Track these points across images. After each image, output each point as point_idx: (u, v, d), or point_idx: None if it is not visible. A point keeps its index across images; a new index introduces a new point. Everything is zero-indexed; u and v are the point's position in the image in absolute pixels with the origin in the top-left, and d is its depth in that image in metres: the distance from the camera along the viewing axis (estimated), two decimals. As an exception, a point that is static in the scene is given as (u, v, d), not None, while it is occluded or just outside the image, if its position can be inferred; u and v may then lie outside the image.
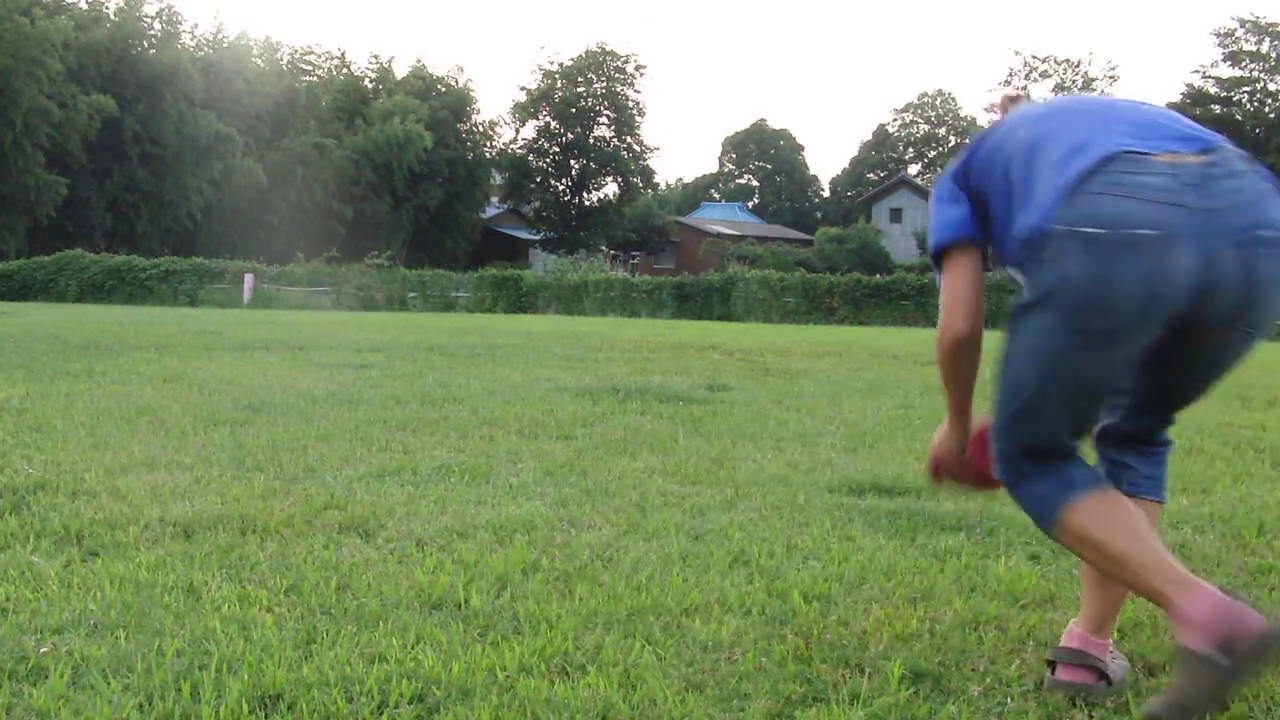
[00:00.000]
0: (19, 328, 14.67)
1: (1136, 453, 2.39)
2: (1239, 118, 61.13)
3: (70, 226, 47.31)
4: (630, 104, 66.58)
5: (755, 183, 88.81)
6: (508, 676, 2.29)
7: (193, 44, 55.06)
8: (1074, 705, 2.25)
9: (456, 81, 64.61)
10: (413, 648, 2.45)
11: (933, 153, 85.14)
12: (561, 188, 66.65)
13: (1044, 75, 76.17)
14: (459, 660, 2.36)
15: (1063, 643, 2.38)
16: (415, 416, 6.40)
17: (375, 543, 3.40)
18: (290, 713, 2.10)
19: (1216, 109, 61.61)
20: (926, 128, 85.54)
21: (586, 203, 66.88)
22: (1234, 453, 5.82)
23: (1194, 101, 62.00)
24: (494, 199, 68.40)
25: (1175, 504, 4.33)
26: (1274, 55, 60.57)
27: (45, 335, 12.85)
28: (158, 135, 49.63)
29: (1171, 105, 63.19)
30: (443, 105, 61.45)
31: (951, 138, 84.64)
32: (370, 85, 64.18)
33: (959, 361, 2.37)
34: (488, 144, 65.76)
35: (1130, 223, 1.96)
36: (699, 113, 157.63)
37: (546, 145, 66.47)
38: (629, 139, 66.76)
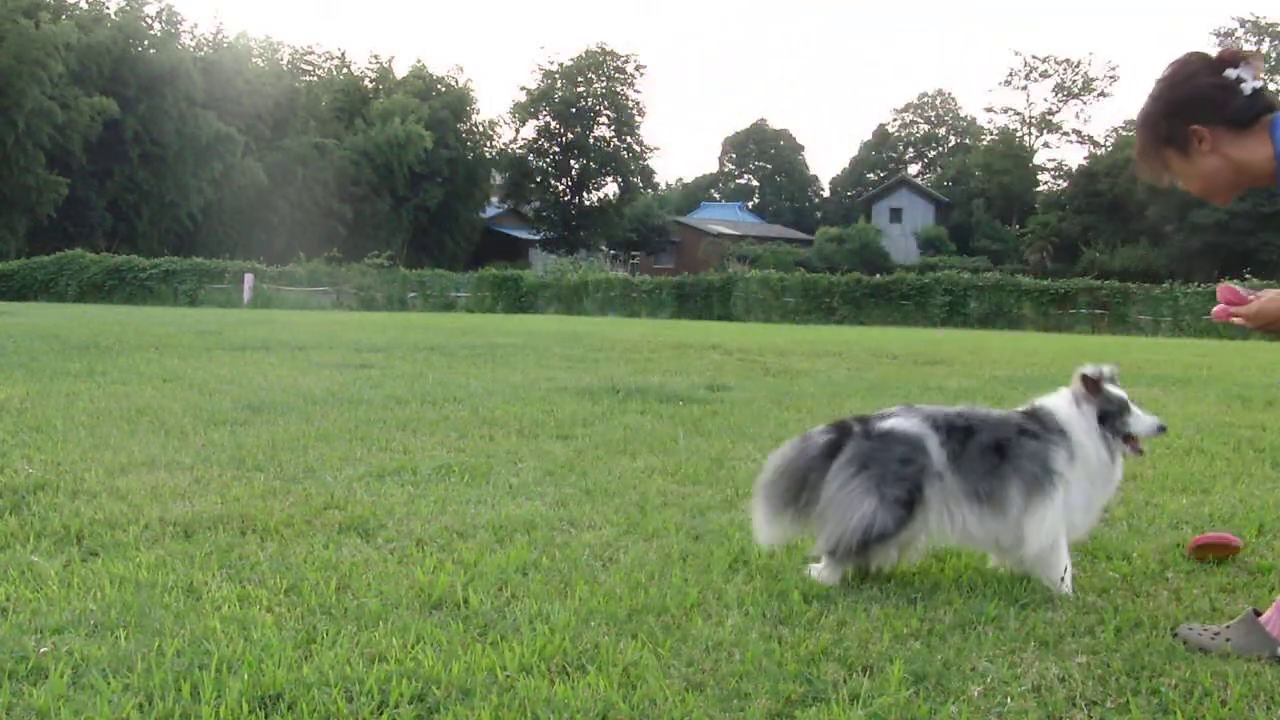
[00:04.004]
0: (19, 328, 14.67)
1: None
2: (1239, 118, 61.06)
3: (70, 226, 47.34)
4: (630, 104, 66.62)
5: (755, 183, 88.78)
6: (508, 676, 2.29)
7: (193, 44, 55.11)
8: (1074, 705, 2.25)
9: (456, 81, 64.65)
10: (413, 648, 2.45)
11: (933, 153, 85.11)
12: (561, 188, 66.69)
13: (1044, 75, 76.23)
14: (459, 660, 2.36)
15: None
16: (415, 416, 6.40)
17: (375, 543, 3.40)
18: (290, 713, 2.10)
19: (1216, 109, 61.55)
20: (926, 128, 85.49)
21: (586, 203, 66.91)
22: (1234, 453, 5.82)
23: (1194, 101, 61.94)
24: (494, 199, 68.39)
25: (1175, 504, 4.33)
26: (1274, 55, 60.59)
27: (45, 335, 12.85)
28: (158, 135, 49.67)
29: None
30: (443, 105, 61.46)
31: (951, 138, 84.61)
32: (370, 85, 64.21)
33: None
34: (488, 144, 65.79)
35: None
36: (699, 113, 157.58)
37: (546, 145, 66.50)
38: (629, 139, 66.80)
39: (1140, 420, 3.15)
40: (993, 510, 3.08)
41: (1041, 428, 3.14)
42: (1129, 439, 3.14)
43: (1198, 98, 2.56)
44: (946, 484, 3.08)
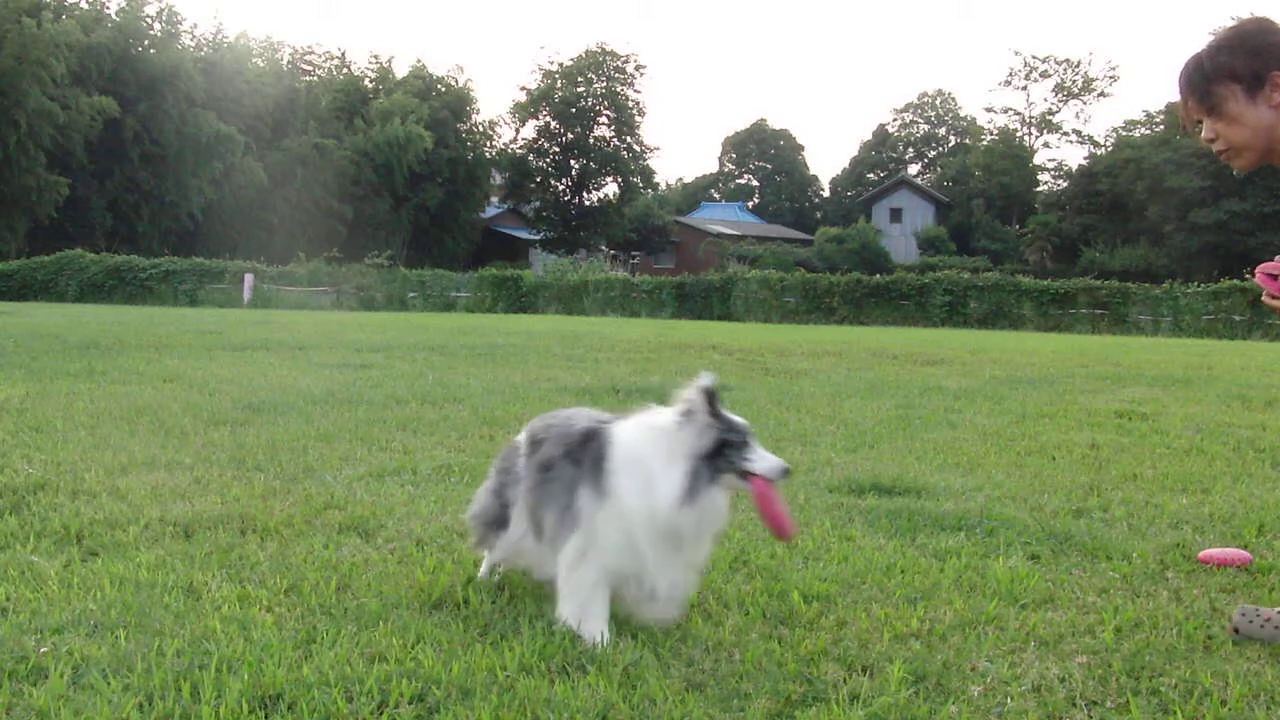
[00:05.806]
0: (19, 328, 14.67)
1: None
2: (1239, 118, 61.02)
3: (71, 226, 47.32)
4: (630, 104, 66.60)
5: (755, 183, 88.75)
6: (508, 676, 2.29)
7: (193, 44, 55.11)
8: (1074, 705, 2.25)
9: (456, 81, 64.63)
10: (413, 648, 2.45)
11: (933, 153, 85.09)
12: (561, 188, 66.68)
13: (1044, 75, 76.24)
14: (459, 660, 2.36)
15: None
16: (415, 416, 6.40)
17: (375, 543, 3.40)
18: (290, 713, 2.10)
19: (1216, 109, 61.50)
20: (926, 128, 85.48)
21: (586, 203, 66.90)
22: (1234, 453, 5.82)
23: (1194, 101, 61.89)
24: (494, 199, 68.40)
25: (1175, 504, 4.33)
26: (1274, 55, 60.54)
27: (45, 335, 12.85)
28: (158, 135, 49.66)
29: (1171, 106, 63.29)
30: (443, 105, 61.45)
31: (951, 138, 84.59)
32: (370, 85, 64.20)
33: None
34: (488, 144, 65.78)
35: None
36: (699, 113, 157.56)
37: (546, 145, 66.49)
38: (629, 139, 66.78)
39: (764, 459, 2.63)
40: (535, 531, 2.76)
41: (586, 454, 2.68)
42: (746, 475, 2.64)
43: None
44: (520, 492, 2.84)
